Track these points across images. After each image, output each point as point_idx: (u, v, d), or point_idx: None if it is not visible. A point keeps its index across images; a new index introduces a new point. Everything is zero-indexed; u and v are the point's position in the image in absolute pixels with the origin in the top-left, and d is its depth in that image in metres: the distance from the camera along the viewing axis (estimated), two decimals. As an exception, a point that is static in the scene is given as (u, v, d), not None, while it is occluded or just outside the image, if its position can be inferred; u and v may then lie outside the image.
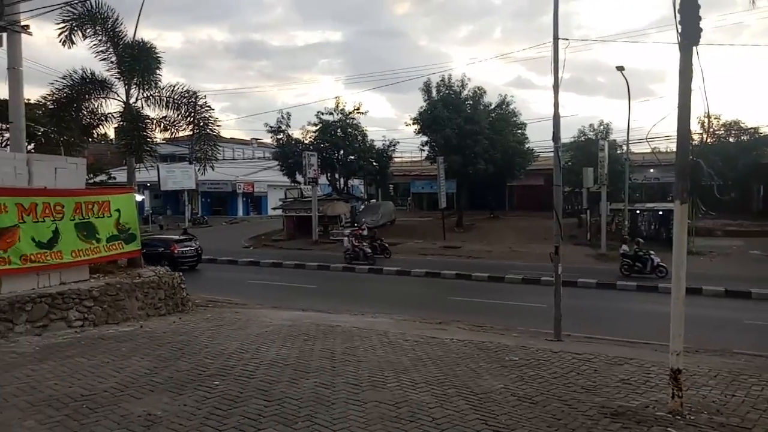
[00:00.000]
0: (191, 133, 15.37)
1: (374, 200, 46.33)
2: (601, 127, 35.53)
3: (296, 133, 38.41)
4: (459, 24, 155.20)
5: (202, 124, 14.83)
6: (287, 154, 37.17)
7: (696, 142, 34.86)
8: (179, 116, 14.75)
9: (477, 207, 40.84)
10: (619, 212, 29.04)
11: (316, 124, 37.48)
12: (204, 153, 15.17)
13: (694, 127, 35.58)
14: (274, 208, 44.17)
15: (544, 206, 27.50)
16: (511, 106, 36.24)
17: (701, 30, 5.65)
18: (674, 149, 5.88)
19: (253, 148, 73.62)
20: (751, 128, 35.73)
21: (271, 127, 37.90)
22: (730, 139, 35.82)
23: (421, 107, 34.78)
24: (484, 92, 34.87)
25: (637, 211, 29.16)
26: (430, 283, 20.79)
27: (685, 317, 5.61)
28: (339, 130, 36.98)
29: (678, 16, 5.66)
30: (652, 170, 38.53)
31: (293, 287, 19.41)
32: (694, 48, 5.67)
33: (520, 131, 36.87)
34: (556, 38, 11.82)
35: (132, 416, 5.27)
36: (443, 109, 32.89)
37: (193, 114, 14.71)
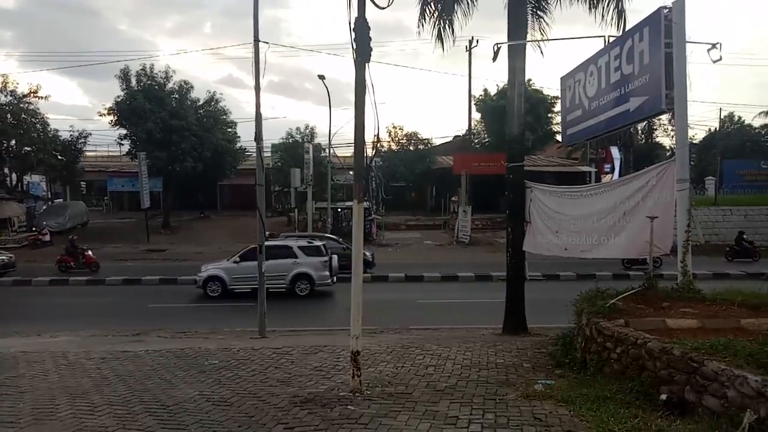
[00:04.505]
0: None
1: (60, 200, 39.87)
2: (307, 130, 37.84)
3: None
4: (166, 13, 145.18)
5: None
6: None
7: (385, 149, 40.11)
8: None
9: (186, 207, 38.90)
10: (324, 210, 31.34)
11: (-28, 106, 30.27)
12: None
13: (384, 135, 40.83)
14: None
15: (255, 206, 27.79)
16: (221, 104, 35.58)
17: (371, 49, 6.39)
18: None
19: None
20: (426, 139, 42.85)
21: None
22: (411, 148, 42.23)
23: (119, 97, 31.45)
24: (192, 87, 33.57)
25: (339, 209, 31.93)
26: (128, 291, 18.89)
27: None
28: (9, 116, 30.61)
29: (353, 35, 6.29)
30: (351, 172, 42.75)
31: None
32: (367, 64, 6.38)
33: (230, 130, 36.47)
34: (256, 40, 12.04)
35: None
36: (144, 100, 30.36)
37: None
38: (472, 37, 31.74)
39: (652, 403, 5.09)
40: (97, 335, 11.65)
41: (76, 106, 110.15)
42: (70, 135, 34.02)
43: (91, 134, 35.10)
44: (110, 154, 43.88)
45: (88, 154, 39.45)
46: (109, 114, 31.90)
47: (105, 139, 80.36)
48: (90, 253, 22.37)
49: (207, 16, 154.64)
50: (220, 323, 13.25)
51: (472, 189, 30.73)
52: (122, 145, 33.79)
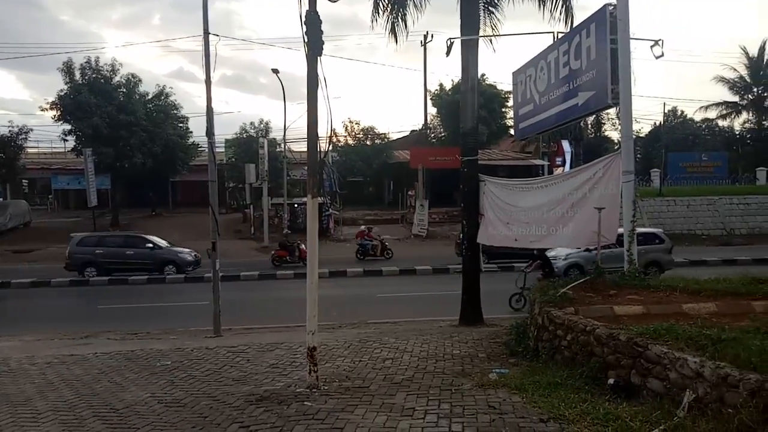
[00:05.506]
0: None
1: (0, 199, 37.95)
2: (262, 125, 37.24)
3: None
4: (112, 3, 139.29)
5: None
6: None
7: (342, 144, 39.93)
8: None
9: (137, 204, 37.64)
10: (281, 206, 30.92)
11: None
12: None
13: (340, 130, 40.63)
14: None
15: (209, 202, 27.18)
16: (171, 98, 34.50)
17: (323, 43, 6.34)
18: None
19: None
20: (382, 134, 42.84)
21: None
22: (368, 142, 42.14)
23: (62, 90, 30.12)
24: (140, 80, 32.40)
25: (295, 205, 31.58)
26: (77, 292, 18.21)
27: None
28: (-59, 111, 28.86)
29: (305, 28, 6.21)
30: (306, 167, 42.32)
31: None
32: (319, 58, 6.31)
33: (181, 125, 35.47)
34: (206, 32, 11.75)
35: None
36: (90, 94, 29.18)
37: None
38: (427, 32, 32.01)
39: (601, 387, 5.27)
40: (42, 339, 11.16)
41: (16, 100, 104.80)
42: (9, 131, 32.25)
43: (32, 130, 33.34)
44: (54, 150, 42.01)
45: (29, 150, 37.68)
46: (51, 109, 30.51)
47: (48, 135, 76.99)
48: (303, 247, 20.33)
49: (156, 8, 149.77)
50: (174, 323, 12.90)
51: (429, 183, 30.98)
52: (67, 141, 32.45)
